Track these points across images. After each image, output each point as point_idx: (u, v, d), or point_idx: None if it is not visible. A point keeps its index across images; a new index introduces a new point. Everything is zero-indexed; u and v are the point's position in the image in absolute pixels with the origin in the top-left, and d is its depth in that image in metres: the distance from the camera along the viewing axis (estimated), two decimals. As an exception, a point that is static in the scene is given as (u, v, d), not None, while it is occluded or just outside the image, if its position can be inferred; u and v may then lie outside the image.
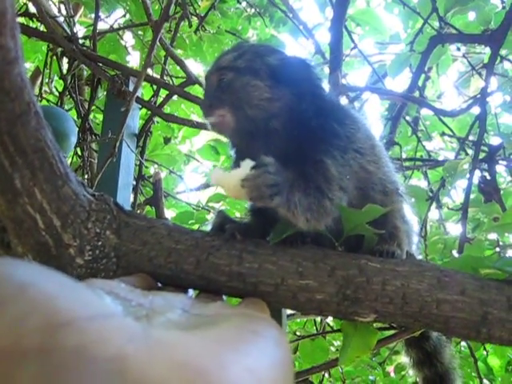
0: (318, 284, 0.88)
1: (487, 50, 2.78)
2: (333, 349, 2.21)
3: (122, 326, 0.41)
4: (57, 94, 2.49)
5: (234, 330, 0.51)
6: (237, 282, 0.88)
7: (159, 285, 0.90)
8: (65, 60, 2.32)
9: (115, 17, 2.52)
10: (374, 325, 1.01)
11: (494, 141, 1.95)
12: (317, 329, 1.99)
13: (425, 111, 2.43)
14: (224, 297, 0.91)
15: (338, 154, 0.95)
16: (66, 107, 2.47)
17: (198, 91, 2.37)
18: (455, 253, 2.16)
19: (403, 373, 2.74)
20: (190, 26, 2.09)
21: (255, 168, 0.85)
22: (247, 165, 0.87)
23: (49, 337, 0.36)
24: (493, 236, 2.16)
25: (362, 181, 1.00)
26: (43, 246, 0.87)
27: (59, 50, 2.15)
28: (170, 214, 2.97)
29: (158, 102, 2.08)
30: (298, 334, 1.48)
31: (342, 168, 0.94)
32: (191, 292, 0.92)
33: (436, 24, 1.88)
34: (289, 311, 1.26)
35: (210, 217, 2.69)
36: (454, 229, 2.65)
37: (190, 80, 1.89)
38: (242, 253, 0.90)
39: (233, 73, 1.01)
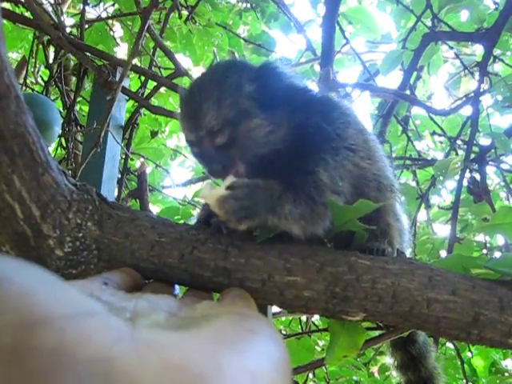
0: (306, 281, 0.85)
1: (478, 52, 2.79)
2: (318, 348, 2.19)
3: (107, 324, 0.38)
4: (42, 83, 2.44)
5: (229, 328, 0.48)
6: (222, 277, 0.85)
7: (145, 280, 0.87)
8: (51, 49, 2.27)
9: (103, 6, 2.48)
10: (362, 324, 0.99)
11: (484, 141, 1.94)
12: (302, 328, 1.96)
13: (415, 110, 2.42)
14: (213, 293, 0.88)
15: (329, 157, 0.92)
16: (52, 97, 2.41)
17: (186, 83, 2.33)
18: (443, 253, 2.16)
19: (387, 373, 2.73)
20: (180, 17, 2.06)
21: (226, 190, 0.83)
22: (228, 182, 0.85)
23: (23, 336, 0.32)
24: (480, 238, 2.16)
25: (355, 178, 0.98)
26: (21, 236, 0.84)
27: (45, 38, 2.11)
28: (155, 209, 2.94)
29: (145, 94, 2.05)
30: (283, 332, 1.45)
31: (335, 171, 0.91)
32: (178, 288, 0.89)
33: (429, 22, 1.87)
34: (274, 309, 1.23)
35: (196, 212, 2.66)
36: (442, 229, 2.65)
37: (179, 71, 1.85)
38: (228, 247, 0.87)
39: (227, 128, 0.94)
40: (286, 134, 0.96)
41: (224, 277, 0.85)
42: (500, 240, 2.22)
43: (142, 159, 2.38)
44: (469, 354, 2.84)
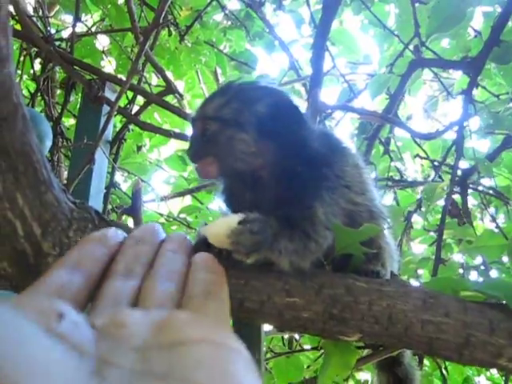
0: (305, 302, 0.87)
1: (456, 76, 2.86)
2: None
3: None
4: (26, 94, 2.42)
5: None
6: (222, 297, 0.86)
7: None
8: (37, 61, 2.26)
9: (93, 20, 2.48)
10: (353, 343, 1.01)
11: (464, 164, 1.99)
12: (284, 344, 1.97)
13: (397, 132, 2.47)
14: None
15: (326, 194, 0.94)
16: (36, 109, 2.40)
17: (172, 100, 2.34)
18: (420, 271, 2.20)
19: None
20: (170, 34, 2.08)
21: (240, 224, 0.83)
22: (234, 217, 0.86)
23: None
24: (457, 257, 2.22)
25: (349, 211, 1.00)
26: (21, 253, 0.84)
27: (33, 50, 2.10)
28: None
29: (133, 109, 2.05)
30: (273, 351, 1.46)
31: (330, 208, 0.93)
32: None
33: (412, 46, 1.92)
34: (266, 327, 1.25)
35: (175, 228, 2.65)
36: (418, 248, 2.69)
37: (170, 89, 1.86)
38: (228, 269, 0.88)
39: (217, 124, 0.97)
40: (269, 166, 0.97)
41: (224, 297, 0.86)
42: (477, 260, 2.27)
43: (125, 175, 2.38)
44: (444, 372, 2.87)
